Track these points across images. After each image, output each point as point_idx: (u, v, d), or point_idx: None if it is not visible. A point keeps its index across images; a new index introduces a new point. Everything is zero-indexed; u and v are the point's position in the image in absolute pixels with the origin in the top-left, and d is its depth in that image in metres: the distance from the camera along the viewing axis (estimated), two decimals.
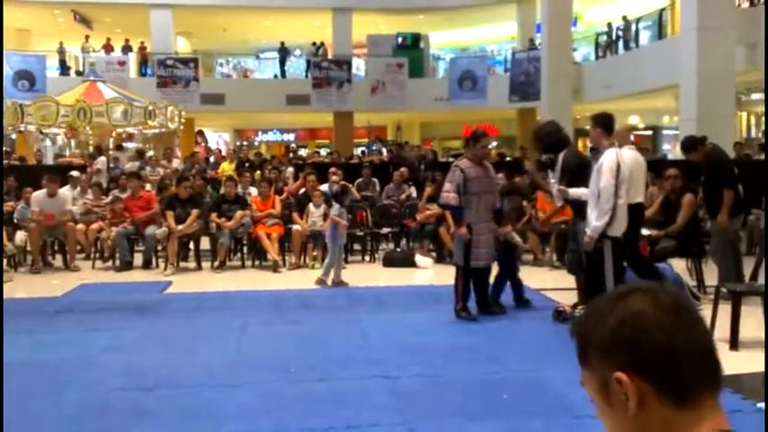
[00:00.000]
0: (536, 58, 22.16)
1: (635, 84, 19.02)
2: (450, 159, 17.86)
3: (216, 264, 9.77)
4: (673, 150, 25.08)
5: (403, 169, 12.27)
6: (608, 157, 5.72)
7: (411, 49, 25.25)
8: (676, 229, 7.42)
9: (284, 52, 25.61)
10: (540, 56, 21.65)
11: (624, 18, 21.45)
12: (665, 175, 7.88)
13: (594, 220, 5.71)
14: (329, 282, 8.38)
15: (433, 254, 10.30)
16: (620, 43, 21.65)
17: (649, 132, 28.96)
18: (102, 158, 14.88)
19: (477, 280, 6.65)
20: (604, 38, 22.59)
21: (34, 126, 15.89)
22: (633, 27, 20.97)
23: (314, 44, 25.37)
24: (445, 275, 9.16)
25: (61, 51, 24.48)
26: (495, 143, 27.48)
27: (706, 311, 5.84)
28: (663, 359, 1.00)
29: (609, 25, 22.31)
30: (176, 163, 15.29)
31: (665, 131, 28.21)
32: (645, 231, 7.60)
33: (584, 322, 1.10)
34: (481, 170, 6.54)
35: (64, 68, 24.54)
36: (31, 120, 15.22)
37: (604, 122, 6.03)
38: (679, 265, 7.62)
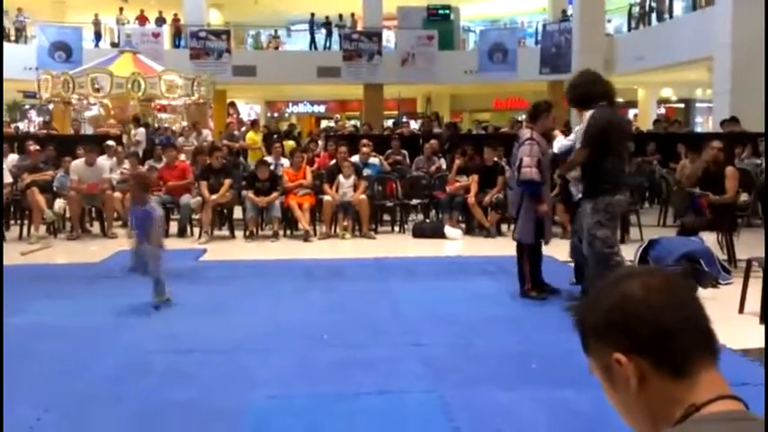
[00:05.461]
0: (567, 30, 21.90)
1: (668, 56, 18.70)
2: (481, 131, 17.84)
3: (246, 233, 9.94)
4: (705, 124, 24.75)
5: (433, 141, 12.28)
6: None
7: (441, 21, 25.04)
8: (728, 200, 7.58)
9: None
10: (572, 27, 21.38)
11: None
12: (710, 146, 7.87)
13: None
14: None
15: (463, 225, 10.35)
16: (654, 14, 21.28)
17: (682, 105, 28.59)
18: (142, 129, 15.27)
19: (534, 259, 6.35)
20: (637, 9, 22.22)
21: (78, 97, 16.08)
22: None
23: (340, 17, 25.31)
24: (474, 246, 9.25)
25: (96, 23, 24.62)
26: (524, 115, 27.34)
27: (736, 285, 5.85)
28: (655, 337, 1.06)
29: None
30: (206, 134, 15.49)
31: (698, 104, 27.81)
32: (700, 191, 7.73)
33: (581, 310, 1.17)
34: (546, 145, 6.21)
35: (99, 40, 24.72)
36: (82, 91, 15.41)
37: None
38: (710, 239, 7.58)
